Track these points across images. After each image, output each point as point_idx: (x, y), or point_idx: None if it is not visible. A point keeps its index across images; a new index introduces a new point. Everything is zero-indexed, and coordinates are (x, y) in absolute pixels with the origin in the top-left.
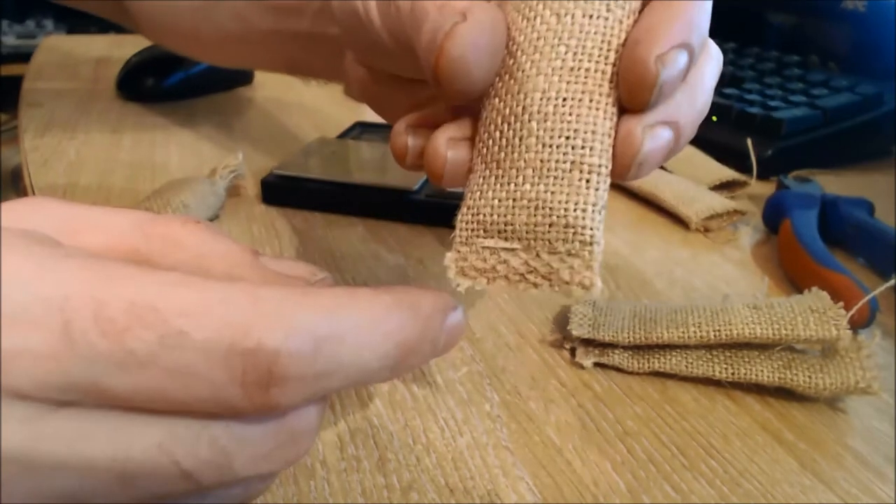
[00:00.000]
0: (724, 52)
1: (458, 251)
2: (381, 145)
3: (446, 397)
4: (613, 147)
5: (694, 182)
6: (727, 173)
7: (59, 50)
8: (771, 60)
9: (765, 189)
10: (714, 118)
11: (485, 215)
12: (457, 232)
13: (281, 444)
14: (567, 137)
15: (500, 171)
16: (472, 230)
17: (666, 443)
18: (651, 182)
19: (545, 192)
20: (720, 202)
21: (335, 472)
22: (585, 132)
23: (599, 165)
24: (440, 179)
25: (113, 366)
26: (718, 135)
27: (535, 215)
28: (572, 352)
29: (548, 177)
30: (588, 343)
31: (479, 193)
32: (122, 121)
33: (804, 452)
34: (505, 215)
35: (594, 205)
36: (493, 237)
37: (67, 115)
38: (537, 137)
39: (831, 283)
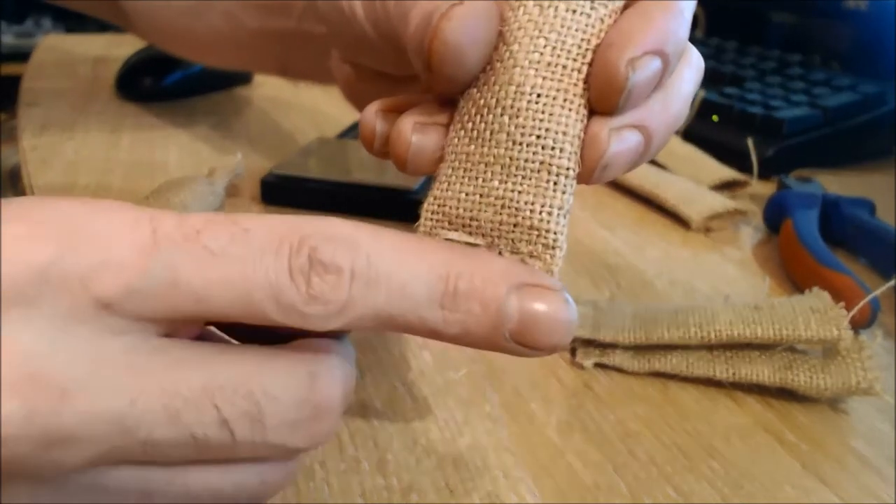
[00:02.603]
0: (726, 51)
1: None
2: None
3: (446, 398)
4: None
5: (695, 182)
6: (728, 173)
7: (57, 49)
8: (772, 59)
9: (766, 189)
10: (715, 118)
11: (451, 207)
12: (421, 221)
13: (307, 415)
14: (538, 136)
15: (469, 164)
16: (437, 221)
17: (667, 444)
18: (652, 182)
19: (512, 190)
20: (721, 202)
21: (335, 474)
22: (556, 132)
23: (568, 168)
24: (404, 165)
25: (190, 259)
26: (719, 134)
27: (500, 213)
28: (573, 352)
29: (516, 175)
30: (589, 343)
31: (446, 184)
32: (120, 120)
33: (806, 453)
34: (470, 210)
35: (560, 208)
36: (457, 230)
37: (66, 115)
38: (508, 133)
39: (832, 283)
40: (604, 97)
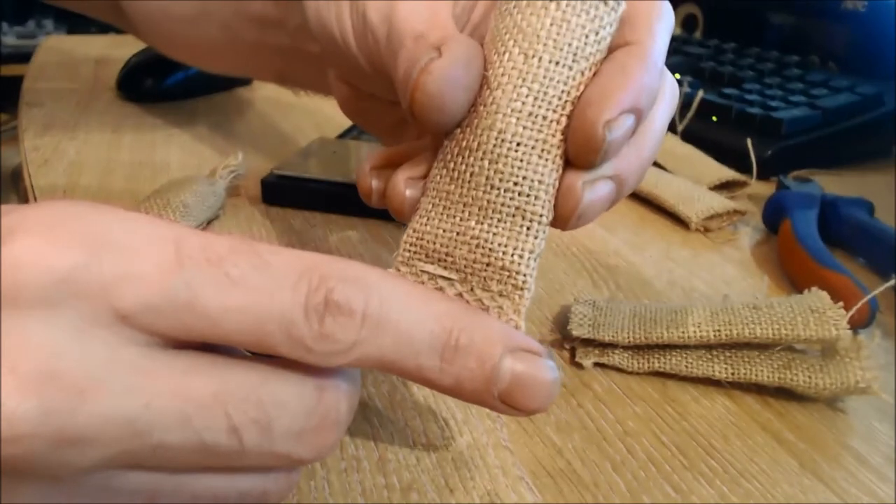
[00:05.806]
0: (724, 51)
1: (398, 269)
2: (380, 146)
3: (446, 398)
4: (554, 198)
5: (694, 182)
6: (727, 173)
7: (59, 50)
8: (771, 60)
9: (765, 189)
10: (714, 118)
11: (428, 241)
12: (399, 251)
13: (313, 426)
14: (515, 183)
15: (448, 203)
16: (415, 252)
17: (666, 443)
18: (651, 182)
19: (487, 232)
20: (720, 202)
21: (335, 472)
22: (532, 181)
23: (541, 215)
24: (402, 216)
25: (210, 284)
26: (718, 135)
27: (474, 252)
28: (572, 352)
29: (491, 218)
30: (588, 343)
31: (426, 219)
32: (121, 121)
33: (804, 452)
34: (446, 246)
35: (531, 252)
36: (433, 263)
37: (67, 116)
38: (487, 178)
39: (831, 283)
40: (581, 155)
